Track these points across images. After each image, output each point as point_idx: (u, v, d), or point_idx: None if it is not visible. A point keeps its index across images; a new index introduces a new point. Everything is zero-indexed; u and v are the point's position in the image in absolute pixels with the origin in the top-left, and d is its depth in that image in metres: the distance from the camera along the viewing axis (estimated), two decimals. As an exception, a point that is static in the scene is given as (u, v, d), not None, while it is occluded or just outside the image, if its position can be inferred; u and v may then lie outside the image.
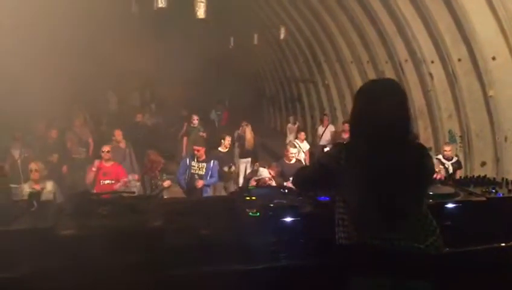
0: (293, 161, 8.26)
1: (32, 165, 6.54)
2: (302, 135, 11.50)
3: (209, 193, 7.66)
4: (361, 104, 2.44)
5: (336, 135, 12.51)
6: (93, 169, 7.35)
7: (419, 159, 2.40)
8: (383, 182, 2.28)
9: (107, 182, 7.31)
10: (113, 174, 7.43)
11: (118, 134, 9.28)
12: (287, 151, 8.36)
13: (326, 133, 13.01)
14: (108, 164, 7.49)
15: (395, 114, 2.36)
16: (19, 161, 8.18)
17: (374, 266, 2.30)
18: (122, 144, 9.21)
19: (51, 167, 8.11)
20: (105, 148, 7.60)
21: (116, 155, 8.30)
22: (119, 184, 7.30)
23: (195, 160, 7.61)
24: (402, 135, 2.39)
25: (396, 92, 2.43)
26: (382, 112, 2.33)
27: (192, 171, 7.58)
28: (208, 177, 7.54)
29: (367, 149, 2.32)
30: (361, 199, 2.33)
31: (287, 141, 12.77)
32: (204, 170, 7.55)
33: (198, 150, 7.59)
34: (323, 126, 13.32)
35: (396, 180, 2.30)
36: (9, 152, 8.37)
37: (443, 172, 7.84)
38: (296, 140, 11.07)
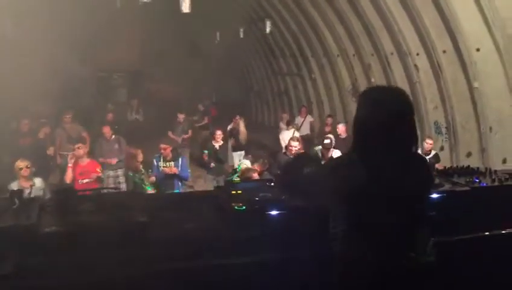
0: None
1: (19, 163, 6.36)
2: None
3: (182, 189, 7.54)
4: (368, 111, 2.26)
5: (320, 130, 12.46)
6: (70, 166, 6.98)
7: (424, 174, 2.33)
8: (387, 197, 2.16)
9: (85, 181, 7.02)
10: (90, 173, 7.12)
11: (107, 130, 9.22)
12: (289, 145, 8.15)
13: (304, 125, 12.96)
14: (84, 163, 7.18)
15: (405, 124, 2.23)
16: None
17: (379, 285, 2.20)
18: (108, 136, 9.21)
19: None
20: (77, 144, 7.23)
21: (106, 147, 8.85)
22: (93, 179, 7.04)
23: (162, 160, 7.43)
24: (409, 147, 2.27)
25: (406, 101, 2.28)
26: (392, 120, 2.17)
27: (161, 171, 7.42)
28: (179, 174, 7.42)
29: (371, 164, 2.17)
30: (365, 216, 2.19)
31: (280, 136, 12.62)
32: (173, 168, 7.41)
33: (164, 149, 7.40)
34: (301, 117, 13.24)
35: (401, 196, 2.19)
36: None
37: None
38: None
